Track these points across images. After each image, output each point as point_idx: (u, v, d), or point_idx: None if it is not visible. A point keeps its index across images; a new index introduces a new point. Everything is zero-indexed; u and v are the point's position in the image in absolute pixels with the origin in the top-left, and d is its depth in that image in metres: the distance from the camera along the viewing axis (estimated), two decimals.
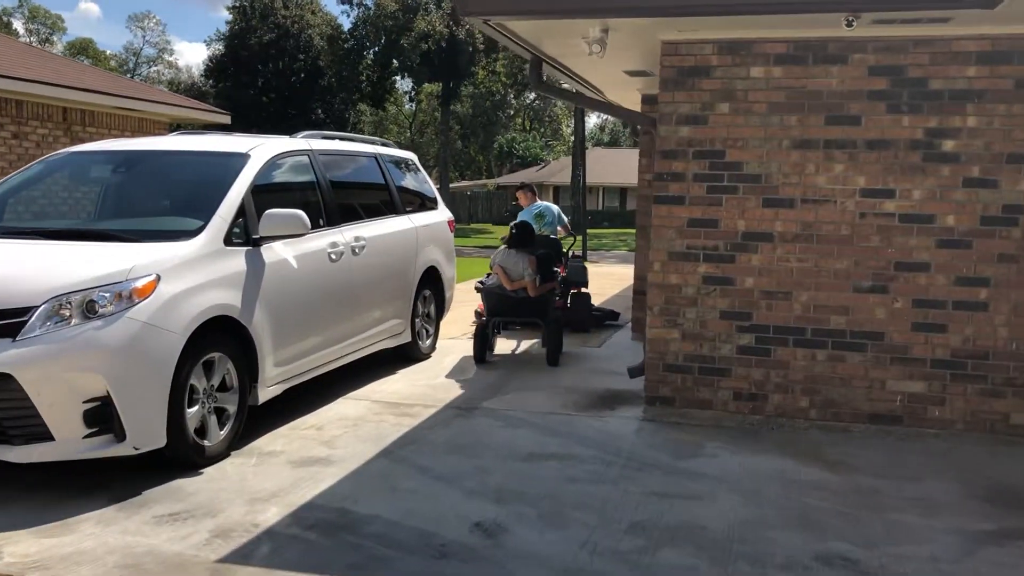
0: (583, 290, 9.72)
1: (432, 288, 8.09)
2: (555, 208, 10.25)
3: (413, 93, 51.26)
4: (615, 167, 51.02)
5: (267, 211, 5.40)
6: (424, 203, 8.26)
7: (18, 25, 67.46)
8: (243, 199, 5.37)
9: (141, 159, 6.00)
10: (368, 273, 6.69)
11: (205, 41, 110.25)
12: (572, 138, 52.97)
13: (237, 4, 50.24)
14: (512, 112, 70.95)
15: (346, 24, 61.72)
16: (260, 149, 5.84)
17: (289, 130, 7.98)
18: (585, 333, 9.41)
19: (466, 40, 43.60)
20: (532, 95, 70.56)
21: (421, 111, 74.53)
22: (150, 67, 75.84)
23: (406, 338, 7.56)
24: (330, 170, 6.60)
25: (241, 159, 5.67)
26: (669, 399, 6.00)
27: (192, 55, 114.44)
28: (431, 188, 8.58)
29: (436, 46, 43.25)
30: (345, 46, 47.86)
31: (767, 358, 5.78)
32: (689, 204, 5.83)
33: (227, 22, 51.55)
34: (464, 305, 11.26)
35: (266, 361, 5.39)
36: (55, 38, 70.58)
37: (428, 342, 8.12)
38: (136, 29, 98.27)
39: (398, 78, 51.17)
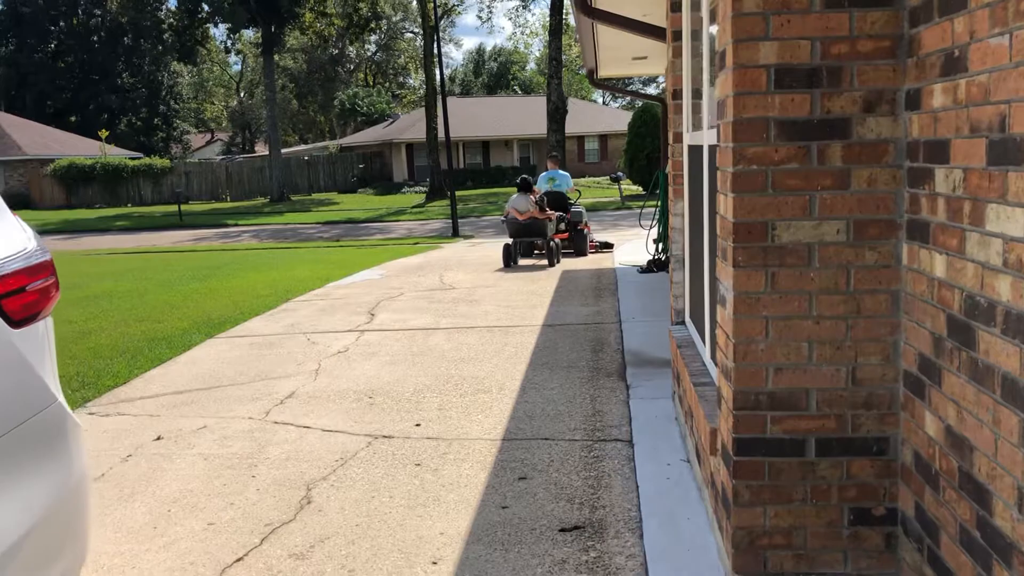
0: (583, 228, 14.08)
1: None
2: (565, 174, 14.87)
3: (230, 43, 43.19)
4: (475, 120, 45.31)
5: None
6: None
7: None
8: None
9: None
10: None
11: None
12: (423, 88, 46.45)
13: None
14: (352, 67, 63.71)
15: None
16: None
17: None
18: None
19: None
20: (373, 46, 63.43)
21: (248, 69, 66.34)
22: None
23: None
24: None
25: None
26: None
27: None
28: None
29: None
30: None
31: None
32: None
33: None
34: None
35: None
36: None
37: None
38: None
39: (211, 26, 43.13)
